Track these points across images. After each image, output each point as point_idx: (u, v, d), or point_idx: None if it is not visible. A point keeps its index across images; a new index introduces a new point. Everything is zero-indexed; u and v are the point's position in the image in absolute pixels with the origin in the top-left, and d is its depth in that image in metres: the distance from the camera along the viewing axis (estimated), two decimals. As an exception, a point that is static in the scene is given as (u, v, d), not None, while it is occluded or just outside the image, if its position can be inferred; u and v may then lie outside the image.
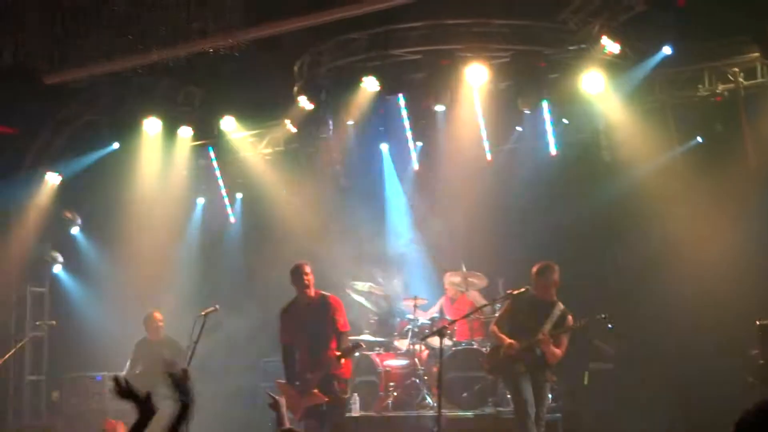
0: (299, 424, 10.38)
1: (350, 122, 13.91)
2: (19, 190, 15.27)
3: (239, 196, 15.82)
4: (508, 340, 10.50)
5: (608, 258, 13.15)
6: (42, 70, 13.23)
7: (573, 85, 12.46)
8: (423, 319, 13.19)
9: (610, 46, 11.79)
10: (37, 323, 15.74)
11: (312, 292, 10.82)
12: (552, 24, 12.22)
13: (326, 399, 10.42)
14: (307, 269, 10.81)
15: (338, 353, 10.40)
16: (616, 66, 12.25)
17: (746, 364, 10.78)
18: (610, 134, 12.80)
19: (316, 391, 10.40)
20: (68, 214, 15.79)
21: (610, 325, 10.35)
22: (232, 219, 15.86)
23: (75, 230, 15.97)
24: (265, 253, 15.51)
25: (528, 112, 12.92)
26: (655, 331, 12.37)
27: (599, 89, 12.37)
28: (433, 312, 13.59)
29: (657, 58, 12.18)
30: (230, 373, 14.35)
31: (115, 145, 15.07)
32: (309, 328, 10.66)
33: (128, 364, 13.60)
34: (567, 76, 12.45)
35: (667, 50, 12.07)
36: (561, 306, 10.50)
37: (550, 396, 10.87)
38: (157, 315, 13.73)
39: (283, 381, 10.79)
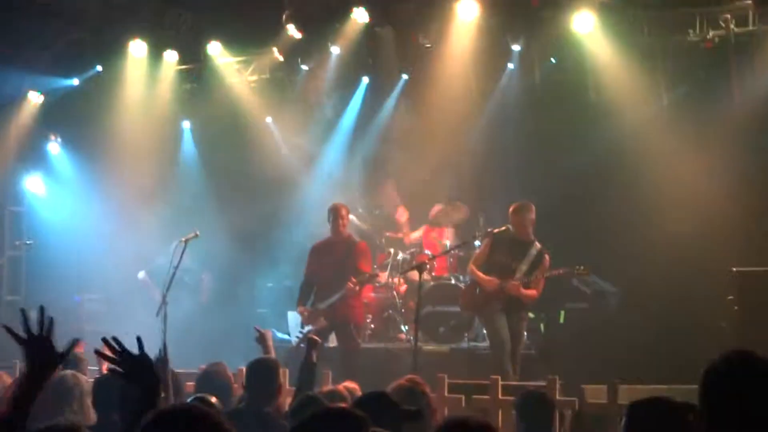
0: None
1: (337, 53, 13.82)
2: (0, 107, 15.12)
3: (224, 122, 15.70)
4: (486, 278, 10.61)
5: (591, 198, 13.22)
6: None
7: (563, 24, 12.40)
8: (402, 253, 13.26)
9: (604, -14, 11.71)
10: (16, 243, 15.70)
11: (343, 234, 11.28)
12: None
13: (325, 324, 11.01)
14: (344, 212, 11.28)
15: (354, 280, 10.82)
16: (607, 7, 12.17)
17: (722, 309, 10.91)
18: (598, 75, 12.78)
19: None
20: (52, 136, 15.68)
21: (586, 275, 10.52)
22: (214, 145, 15.77)
23: (55, 150, 15.85)
24: (246, 180, 15.52)
25: (516, 49, 12.87)
26: (633, 273, 12.47)
27: (589, 29, 12.31)
28: (416, 237, 13.70)
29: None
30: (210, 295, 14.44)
31: (99, 68, 14.94)
32: (333, 266, 11.13)
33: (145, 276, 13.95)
34: (558, 15, 12.38)
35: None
36: (538, 245, 10.64)
37: (525, 333, 11.02)
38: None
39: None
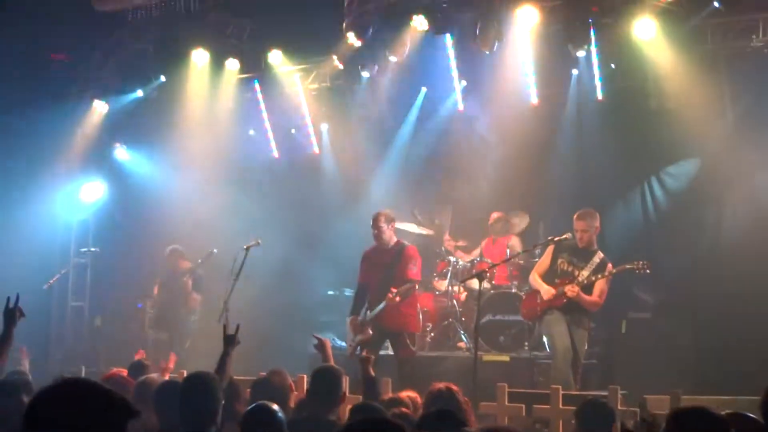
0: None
1: (396, 60, 13.83)
2: (66, 117, 15.36)
3: (293, 131, 15.82)
4: (546, 286, 10.54)
5: (656, 207, 13.10)
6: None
7: (624, 31, 12.27)
8: (462, 261, 13.21)
9: (666, -8, 11.58)
10: (81, 250, 15.95)
11: (386, 241, 11.26)
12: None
13: (370, 334, 10.69)
14: (381, 221, 11.20)
15: (394, 291, 10.74)
16: (669, 13, 12.03)
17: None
18: (659, 82, 12.64)
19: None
20: (117, 145, 15.94)
21: (647, 270, 10.33)
22: (275, 154, 15.88)
23: (121, 158, 16.07)
24: (306, 188, 15.61)
25: (579, 56, 12.77)
26: (694, 281, 12.33)
27: (651, 36, 12.17)
28: (476, 254, 13.61)
29: (709, 7, 11.92)
30: (270, 302, 14.51)
31: (163, 79, 15.10)
32: (382, 271, 11.15)
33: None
34: (619, 22, 12.25)
35: (716, 3, 11.77)
36: (601, 254, 10.51)
37: (586, 343, 10.90)
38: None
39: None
